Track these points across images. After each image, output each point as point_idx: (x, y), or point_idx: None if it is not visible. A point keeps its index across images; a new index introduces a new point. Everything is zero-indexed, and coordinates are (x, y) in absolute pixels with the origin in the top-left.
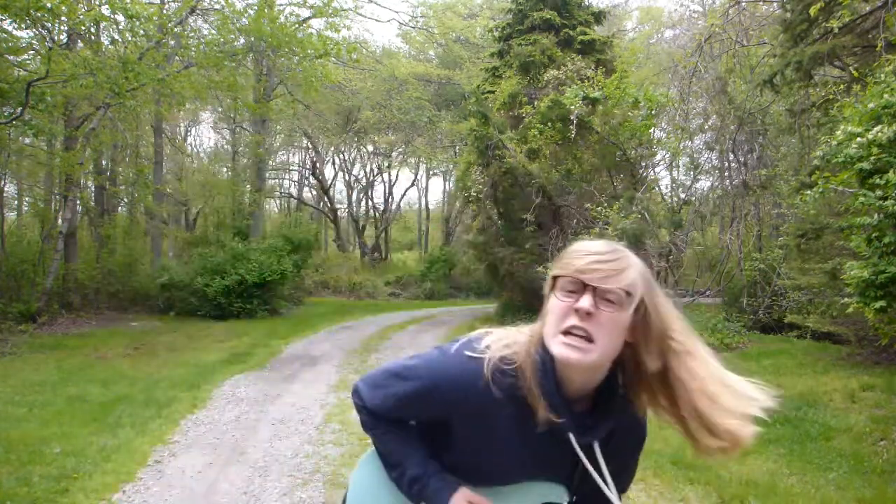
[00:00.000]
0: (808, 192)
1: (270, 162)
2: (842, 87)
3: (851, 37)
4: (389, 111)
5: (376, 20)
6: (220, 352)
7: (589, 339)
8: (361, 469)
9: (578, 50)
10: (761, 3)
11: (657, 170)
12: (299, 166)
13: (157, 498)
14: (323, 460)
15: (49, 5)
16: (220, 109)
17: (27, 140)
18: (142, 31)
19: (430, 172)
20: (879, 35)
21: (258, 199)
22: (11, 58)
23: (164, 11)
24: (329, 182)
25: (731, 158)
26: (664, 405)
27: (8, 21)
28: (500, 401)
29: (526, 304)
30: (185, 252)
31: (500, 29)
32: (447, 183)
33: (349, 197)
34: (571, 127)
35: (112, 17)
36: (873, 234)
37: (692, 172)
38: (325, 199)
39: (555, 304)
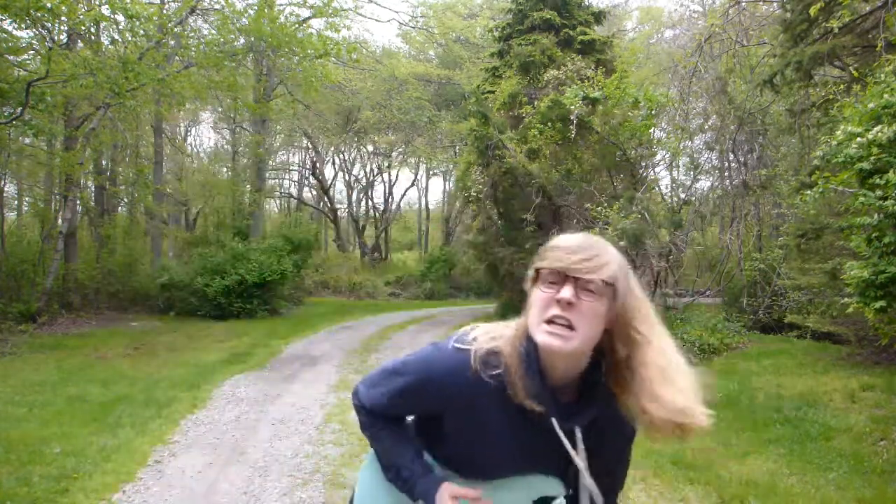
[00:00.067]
0: (808, 192)
1: (270, 162)
2: (842, 87)
3: (851, 37)
4: (389, 111)
5: (376, 20)
6: (220, 352)
7: (570, 328)
8: (366, 469)
9: (578, 50)
10: (761, 3)
11: (657, 170)
12: (299, 166)
13: (157, 498)
14: (323, 460)
15: (49, 5)
16: (220, 109)
17: (27, 140)
18: (142, 31)
19: (430, 172)
20: (879, 35)
21: (258, 199)
22: (11, 58)
23: (164, 11)
24: (329, 182)
25: (731, 158)
26: (629, 392)
27: (8, 21)
28: (489, 392)
29: (526, 304)
30: (185, 252)
31: (500, 29)
32: (447, 183)
33: (349, 197)
34: (571, 127)
35: (112, 17)
36: (873, 234)
37: (692, 172)
38: (325, 199)
39: (538, 295)
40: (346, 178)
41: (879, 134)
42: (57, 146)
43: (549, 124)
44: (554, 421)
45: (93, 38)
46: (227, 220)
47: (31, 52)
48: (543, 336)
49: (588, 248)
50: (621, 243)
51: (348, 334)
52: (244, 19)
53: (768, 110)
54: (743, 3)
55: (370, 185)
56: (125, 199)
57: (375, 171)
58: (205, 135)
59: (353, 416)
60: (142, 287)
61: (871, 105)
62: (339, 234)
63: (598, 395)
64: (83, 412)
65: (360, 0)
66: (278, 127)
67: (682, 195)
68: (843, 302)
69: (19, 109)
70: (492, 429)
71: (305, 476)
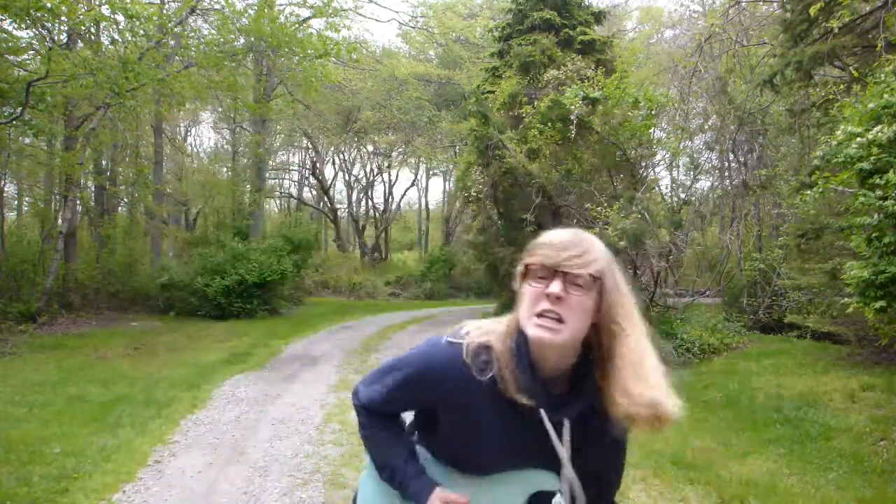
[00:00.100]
0: (808, 192)
1: (270, 162)
2: (842, 87)
3: (851, 37)
4: (389, 111)
5: (376, 20)
6: (220, 352)
7: (560, 321)
8: (368, 477)
9: (578, 50)
10: (761, 3)
11: (657, 170)
12: (299, 166)
13: (157, 498)
14: (323, 460)
15: (49, 5)
16: (220, 109)
17: (27, 140)
18: (142, 31)
19: (430, 172)
20: (879, 35)
21: (258, 199)
22: (11, 58)
23: (164, 11)
24: (329, 182)
25: (731, 158)
26: (606, 382)
27: (8, 21)
28: (481, 387)
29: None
30: (185, 252)
31: (500, 29)
32: (447, 183)
33: (349, 197)
34: (571, 127)
35: (112, 17)
36: (873, 234)
37: (692, 172)
38: (325, 199)
39: (528, 290)
40: (346, 178)
41: (879, 134)
42: (57, 146)
43: (549, 124)
44: (542, 412)
45: (93, 38)
46: (227, 220)
47: (31, 52)
48: (534, 329)
49: (576, 244)
50: (621, 243)
51: (348, 334)
52: (244, 19)
53: (768, 110)
54: (743, 3)
55: (370, 185)
56: (125, 199)
57: (375, 171)
58: (205, 135)
59: (353, 416)
60: (142, 287)
61: (871, 105)
62: (339, 234)
63: (587, 388)
64: (83, 412)
65: (360, 0)
66: (278, 127)
67: (682, 195)
68: (843, 302)
69: (19, 109)
70: (484, 424)
71: (305, 476)
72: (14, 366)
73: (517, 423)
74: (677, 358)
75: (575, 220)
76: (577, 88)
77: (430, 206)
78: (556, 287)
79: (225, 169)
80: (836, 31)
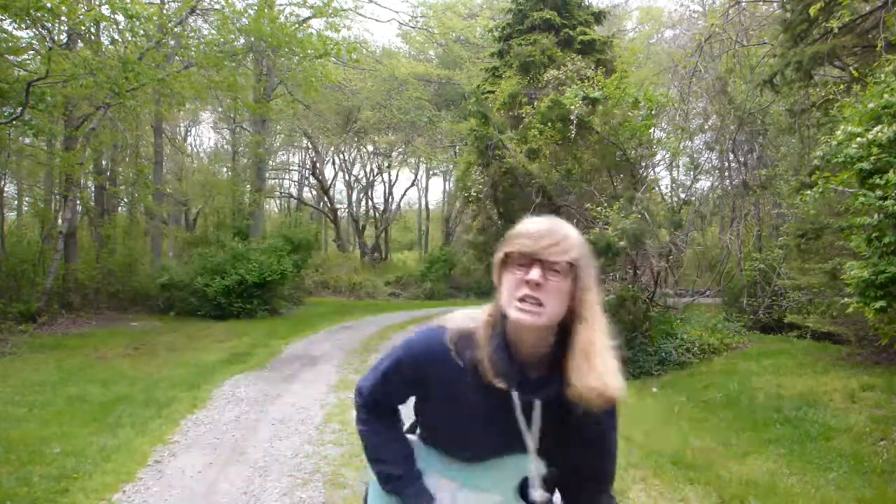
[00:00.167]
0: (808, 192)
1: (270, 162)
2: (842, 87)
3: (851, 37)
4: (389, 111)
5: (376, 20)
6: (220, 352)
7: (540, 304)
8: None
9: (578, 50)
10: (761, 3)
11: (657, 170)
12: (299, 166)
13: (157, 498)
14: (323, 460)
15: (49, 5)
16: (220, 109)
17: (27, 140)
18: (142, 31)
19: (430, 172)
20: (879, 35)
21: (258, 199)
22: (11, 58)
23: (164, 11)
24: (329, 182)
25: (731, 158)
26: (566, 364)
27: (8, 21)
28: (465, 372)
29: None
30: (185, 252)
31: (500, 29)
32: (447, 183)
33: (349, 197)
34: (571, 127)
35: (112, 17)
36: (873, 234)
37: (692, 172)
38: (325, 199)
39: (509, 277)
40: (346, 178)
41: (879, 134)
42: (57, 146)
43: (549, 124)
44: (514, 394)
45: (93, 38)
46: (227, 220)
47: (31, 52)
48: (516, 312)
49: (553, 232)
50: (621, 243)
51: (348, 334)
52: (244, 19)
53: (768, 110)
54: (743, 3)
55: (370, 185)
56: (125, 199)
57: (375, 171)
58: (205, 135)
59: (353, 416)
60: (142, 287)
61: (871, 105)
62: (339, 234)
63: (560, 370)
64: (83, 412)
65: (360, 0)
66: (278, 127)
67: (682, 195)
68: (843, 302)
69: (19, 109)
70: (468, 409)
71: (305, 476)
72: (14, 366)
73: (499, 409)
74: (677, 358)
75: (575, 220)
76: (577, 88)
77: (430, 206)
78: (535, 274)
79: (225, 169)
80: (836, 31)
